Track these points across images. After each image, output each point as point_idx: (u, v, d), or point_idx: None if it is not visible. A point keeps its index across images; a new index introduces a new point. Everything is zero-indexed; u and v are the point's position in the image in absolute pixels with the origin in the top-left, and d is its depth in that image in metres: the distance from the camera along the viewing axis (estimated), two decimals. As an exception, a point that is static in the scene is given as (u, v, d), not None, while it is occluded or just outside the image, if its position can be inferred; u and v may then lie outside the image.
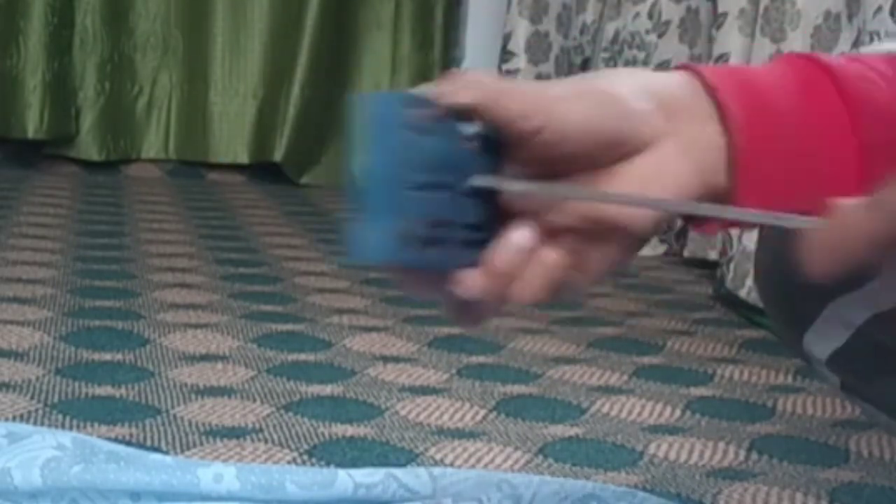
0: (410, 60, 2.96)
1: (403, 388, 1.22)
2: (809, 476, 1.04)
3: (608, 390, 1.27)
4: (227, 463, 0.93)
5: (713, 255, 2.04)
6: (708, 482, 1.00)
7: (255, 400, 1.14)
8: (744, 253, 1.76)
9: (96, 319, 1.38)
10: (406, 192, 0.48)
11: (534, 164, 0.51)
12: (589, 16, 2.45)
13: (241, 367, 1.25)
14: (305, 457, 0.99)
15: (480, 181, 0.51)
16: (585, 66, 2.45)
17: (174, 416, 1.07)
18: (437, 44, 2.98)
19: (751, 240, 1.76)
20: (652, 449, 1.08)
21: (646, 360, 1.43)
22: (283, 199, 2.63)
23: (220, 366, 1.24)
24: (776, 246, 0.69)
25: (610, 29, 2.33)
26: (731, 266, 1.79)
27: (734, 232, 1.81)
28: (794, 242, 0.45)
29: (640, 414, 1.20)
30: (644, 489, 0.96)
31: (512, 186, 0.51)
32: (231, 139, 2.85)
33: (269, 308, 1.53)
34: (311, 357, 1.31)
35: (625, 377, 1.34)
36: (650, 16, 2.25)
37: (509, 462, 1.02)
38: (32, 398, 1.08)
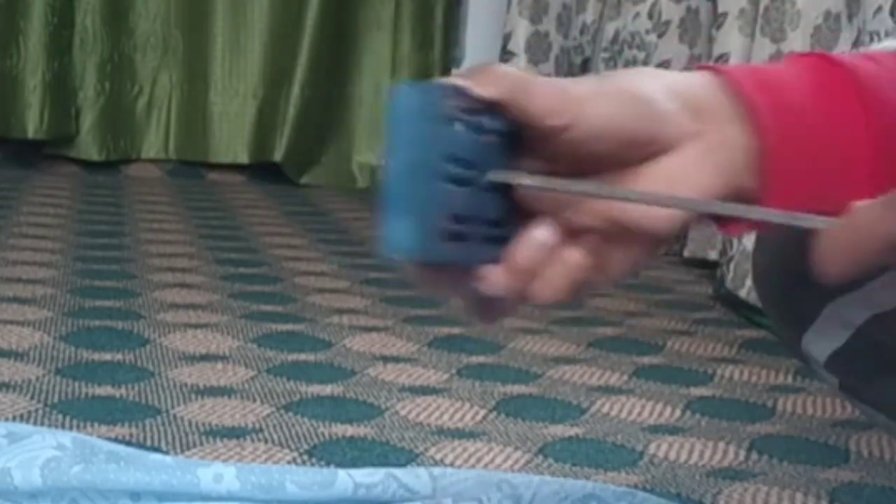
0: (410, 60, 2.96)
1: (403, 388, 1.22)
2: (809, 476, 1.04)
3: (608, 390, 1.28)
4: (227, 463, 0.93)
5: (713, 255, 2.04)
6: (708, 482, 1.00)
7: (255, 400, 1.14)
8: (744, 253, 1.76)
9: (96, 319, 1.38)
10: (437, 185, 0.47)
11: (557, 161, 0.51)
12: (589, 16, 2.45)
13: (241, 367, 1.25)
14: (305, 457, 0.99)
15: (501, 176, 0.50)
16: (585, 66, 2.45)
17: (174, 416, 1.07)
18: (437, 44, 2.98)
19: (751, 240, 1.76)
20: (652, 449, 1.08)
21: (646, 360, 1.43)
22: (283, 199, 2.63)
23: (220, 366, 1.24)
24: (774, 246, 0.69)
25: (610, 29, 2.33)
26: (731, 266, 1.79)
27: (730, 238, 1.80)
28: (796, 242, 0.45)
29: (640, 414, 1.20)
30: (644, 489, 0.96)
31: (532, 182, 0.51)
32: (231, 139, 2.85)
33: (269, 308, 1.53)
34: (311, 357, 1.31)
35: (625, 377, 1.34)
36: (650, 16, 2.25)
37: (509, 462, 1.02)
38: (32, 398, 1.08)
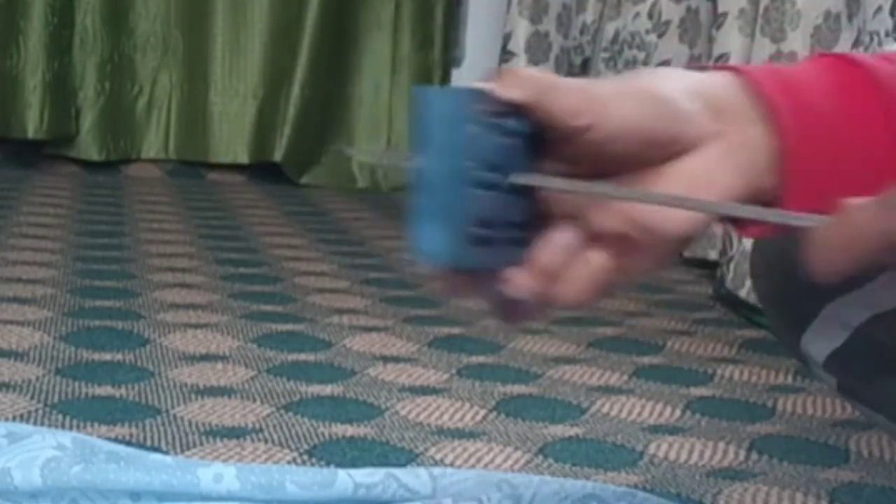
0: (410, 60, 2.96)
1: (403, 388, 1.22)
2: (809, 476, 1.04)
3: (608, 390, 1.28)
4: (227, 463, 0.93)
5: (713, 255, 2.04)
6: (708, 482, 1.00)
7: (255, 400, 1.14)
8: (744, 253, 1.76)
9: (96, 319, 1.38)
10: (467, 190, 0.47)
11: (579, 162, 0.51)
12: (589, 16, 2.45)
13: (241, 367, 1.25)
14: (305, 457, 0.99)
15: (524, 178, 0.50)
16: (585, 66, 2.45)
17: (174, 416, 1.07)
18: (437, 44, 2.98)
19: (751, 240, 1.76)
20: (652, 449, 1.08)
21: (646, 360, 1.43)
22: (283, 199, 2.63)
23: (220, 366, 1.24)
24: (773, 246, 0.69)
25: (610, 29, 2.33)
26: (731, 266, 1.79)
27: (749, 239, 1.80)
28: (794, 243, 0.45)
29: (640, 414, 1.20)
30: (644, 489, 0.96)
31: (554, 184, 0.51)
32: (231, 139, 2.85)
33: (269, 308, 1.53)
34: (311, 357, 1.31)
35: (625, 377, 1.34)
36: (650, 16, 2.25)
37: (509, 462, 1.02)
38: (32, 398, 1.08)
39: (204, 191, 2.68)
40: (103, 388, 1.13)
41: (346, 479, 0.86)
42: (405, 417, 1.12)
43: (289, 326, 1.44)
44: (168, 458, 0.92)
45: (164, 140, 2.83)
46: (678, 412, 1.21)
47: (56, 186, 2.50)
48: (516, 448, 1.05)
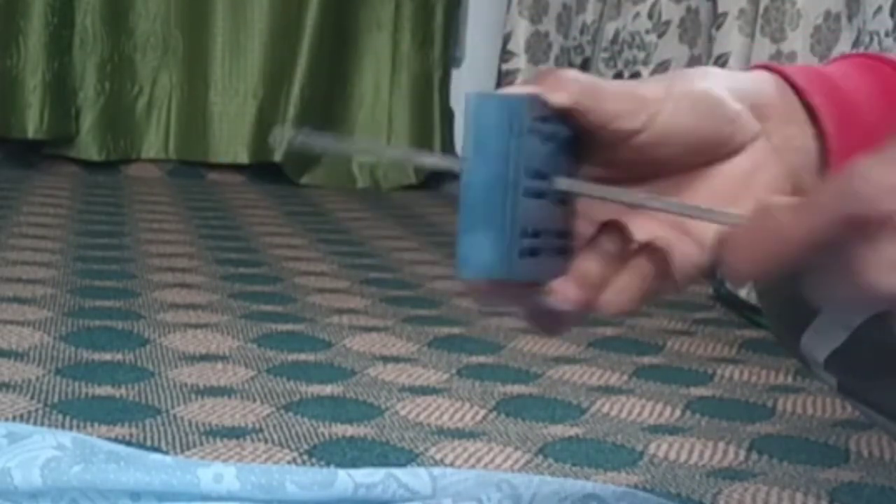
0: (410, 60, 2.96)
1: (403, 388, 1.22)
2: (809, 476, 1.04)
3: (608, 390, 1.27)
4: (227, 463, 0.93)
5: (713, 255, 2.04)
6: (708, 482, 1.00)
7: (255, 400, 1.14)
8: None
9: (96, 319, 1.38)
10: (517, 200, 0.45)
11: (619, 166, 0.50)
12: (589, 16, 2.45)
13: (241, 367, 1.25)
14: (305, 457, 0.99)
15: (567, 184, 0.48)
16: (585, 66, 2.45)
17: (174, 416, 1.07)
18: (437, 44, 2.98)
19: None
20: (652, 449, 1.08)
21: (646, 360, 1.43)
22: (283, 199, 2.63)
23: (220, 366, 1.24)
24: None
25: (610, 29, 2.33)
26: (731, 266, 1.79)
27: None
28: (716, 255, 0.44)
29: (640, 414, 1.20)
30: (644, 489, 0.96)
31: (599, 191, 0.49)
32: (231, 139, 2.85)
33: (269, 308, 1.53)
34: (311, 357, 1.31)
35: (625, 377, 1.34)
36: (650, 16, 2.25)
37: (509, 462, 1.02)
38: (32, 398, 1.08)
39: (204, 191, 2.68)
40: (103, 388, 1.13)
41: (346, 479, 0.86)
42: (405, 417, 1.12)
43: (289, 326, 1.44)
44: (168, 458, 0.92)
45: (164, 140, 2.83)
46: (678, 412, 1.21)
47: (56, 186, 2.50)
48: (516, 448, 1.05)
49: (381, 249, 2.08)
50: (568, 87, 0.47)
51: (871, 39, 1.60)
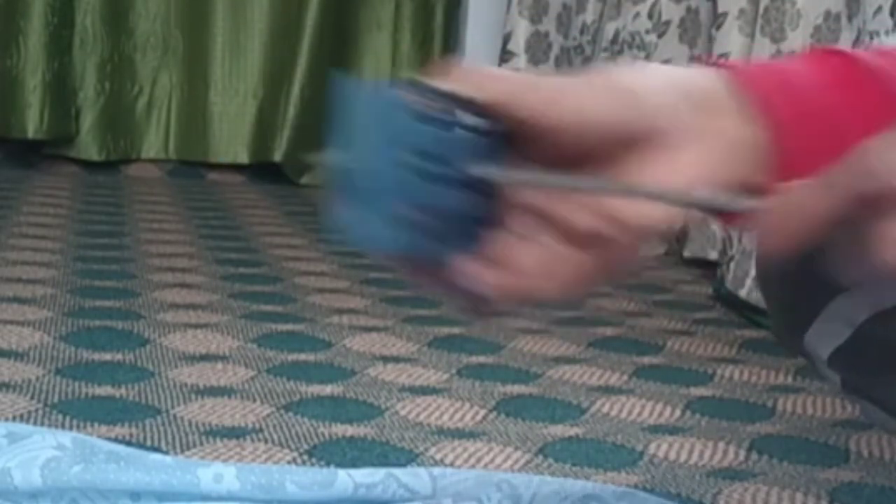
0: (410, 60, 2.96)
1: (403, 388, 1.22)
2: (809, 476, 1.04)
3: (608, 390, 1.27)
4: (227, 463, 0.93)
5: (713, 255, 2.04)
6: (708, 482, 1.00)
7: (255, 400, 1.14)
8: (744, 253, 1.76)
9: (96, 319, 1.38)
10: (394, 177, 0.48)
11: (549, 159, 0.50)
12: (589, 16, 2.45)
13: (241, 367, 1.25)
14: (305, 457, 0.99)
15: (478, 170, 0.50)
16: (585, 66, 2.45)
17: (174, 416, 1.07)
18: (437, 44, 2.98)
19: (751, 240, 1.76)
20: (652, 449, 1.08)
21: (646, 360, 1.43)
22: (283, 199, 2.63)
23: (220, 366, 1.24)
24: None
25: (610, 29, 2.33)
26: (731, 266, 1.79)
27: (734, 231, 1.80)
28: (754, 235, 0.45)
29: (640, 414, 1.20)
30: (644, 489, 0.96)
31: (513, 177, 0.51)
32: (231, 139, 2.85)
33: (269, 308, 1.53)
34: (311, 357, 1.31)
35: (625, 377, 1.34)
36: (650, 16, 2.25)
37: (509, 462, 1.02)
38: (32, 398, 1.08)
39: (204, 191, 2.68)
40: (103, 388, 1.13)
41: (346, 479, 0.86)
42: (405, 417, 1.12)
43: (289, 326, 1.44)
44: (168, 458, 0.92)
45: (164, 140, 2.83)
46: (678, 412, 1.21)
47: (56, 186, 2.50)
48: (516, 448, 1.05)
49: (381, 249, 2.08)
50: (486, 83, 0.49)
51: (871, 39, 1.60)
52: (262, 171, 2.86)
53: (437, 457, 1.01)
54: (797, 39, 1.77)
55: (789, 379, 1.38)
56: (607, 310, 1.71)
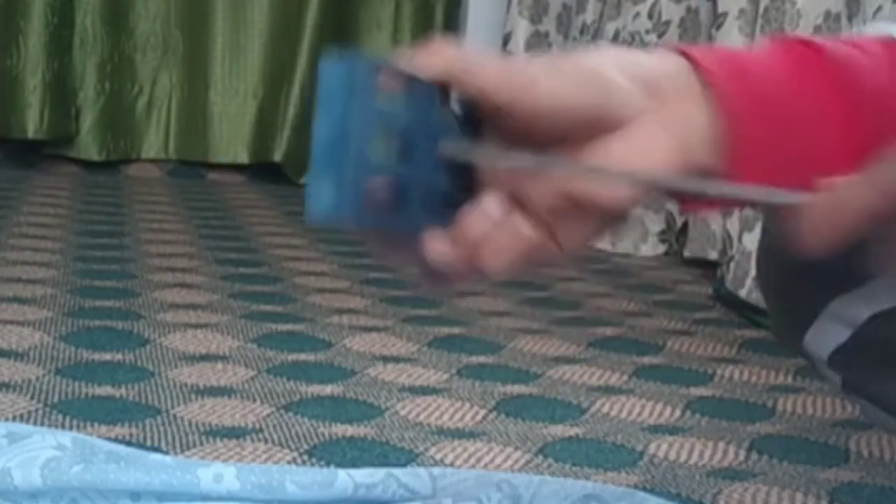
0: (410, 60, 2.96)
1: (403, 388, 1.22)
2: (809, 476, 1.04)
3: (608, 390, 1.27)
4: (227, 463, 0.93)
5: (713, 255, 2.04)
6: (708, 482, 1.00)
7: (255, 400, 1.14)
8: (744, 253, 1.76)
9: (96, 319, 1.38)
10: (360, 153, 0.48)
11: (512, 138, 0.51)
12: (589, 16, 2.45)
13: (241, 367, 1.25)
14: (305, 457, 0.99)
15: (446, 148, 0.51)
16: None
17: (174, 416, 1.07)
18: (437, 44, 2.97)
19: (751, 240, 1.76)
20: (652, 449, 1.08)
21: (646, 360, 1.43)
22: (283, 199, 2.63)
23: (220, 366, 1.24)
24: (777, 245, 0.69)
25: (610, 29, 2.33)
26: (731, 266, 1.79)
27: (734, 231, 1.81)
28: (793, 231, 0.45)
29: (640, 414, 1.20)
30: (644, 489, 0.96)
31: (481, 155, 0.51)
32: (231, 139, 2.85)
33: (269, 308, 1.53)
34: (311, 357, 1.31)
35: (625, 377, 1.34)
36: (650, 16, 2.25)
37: (509, 462, 1.02)
38: (32, 398, 1.08)
39: (204, 191, 2.68)
40: (103, 388, 1.13)
41: (346, 479, 0.86)
42: (405, 417, 1.12)
43: (289, 326, 1.44)
44: (168, 458, 0.92)
45: (164, 140, 2.83)
46: (678, 412, 1.21)
47: (56, 186, 2.50)
48: (516, 448, 1.05)
49: (381, 249, 2.08)
50: (440, 58, 0.49)
51: (871, 39, 1.60)
52: (262, 171, 2.86)
53: (437, 457, 1.01)
54: (797, 39, 1.77)
55: (789, 379, 1.38)
56: (607, 310, 1.71)
